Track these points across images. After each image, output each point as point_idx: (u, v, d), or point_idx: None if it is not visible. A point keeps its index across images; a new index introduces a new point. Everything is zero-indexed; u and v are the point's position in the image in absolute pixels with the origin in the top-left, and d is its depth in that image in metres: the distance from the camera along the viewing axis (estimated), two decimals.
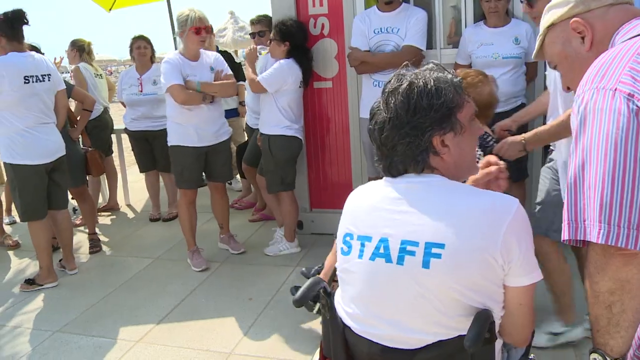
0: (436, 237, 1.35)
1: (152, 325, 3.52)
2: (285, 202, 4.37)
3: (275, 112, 4.18)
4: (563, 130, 2.47)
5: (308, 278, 3.38)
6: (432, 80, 1.43)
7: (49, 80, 4.05)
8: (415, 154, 1.44)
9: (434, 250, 1.35)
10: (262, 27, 4.78)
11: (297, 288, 3.28)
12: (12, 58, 3.88)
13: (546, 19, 1.48)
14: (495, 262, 1.33)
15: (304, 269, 3.61)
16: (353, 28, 4.06)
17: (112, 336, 3.44)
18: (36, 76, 3.95)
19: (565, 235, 1.21)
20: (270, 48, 4.22)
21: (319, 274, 3.29)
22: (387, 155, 1.50)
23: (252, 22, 4.86)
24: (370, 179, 4.29)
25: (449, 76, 1.47)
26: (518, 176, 3.79)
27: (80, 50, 5.69)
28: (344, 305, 1.55)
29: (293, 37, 4.17)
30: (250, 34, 4.94)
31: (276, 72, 4.11)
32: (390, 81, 1.50)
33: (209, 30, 4.08)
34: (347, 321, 1.53)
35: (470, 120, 1.48)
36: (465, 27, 4.08)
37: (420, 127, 1.42)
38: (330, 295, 1.61)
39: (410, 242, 1.38)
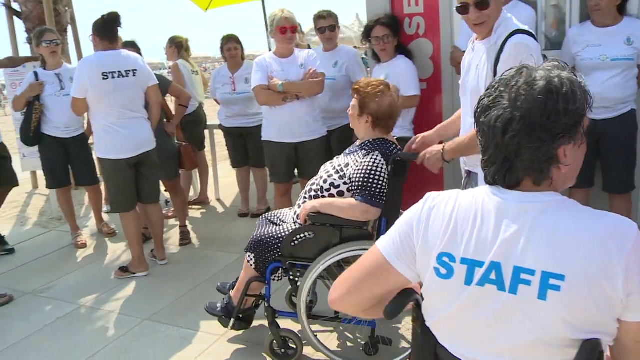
0: (554, 266, 1.21)
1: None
2: None
3: None
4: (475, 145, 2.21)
5: (223, 293, 3.36)
6: (567, 82, 1.26)
7: (133, 75, 4.16)
8: (541, 162, 1.27)
9: (552, 281, 1.20)
10: (332, 21, 4.66)
11: (212, 306, 3.30)
12: (92, 57, 4.08)
13: None
14: (614, 294, 1.19)
15: (219, 284, 3.57)
16: (461, 26, 3.92)
17: (197, 328, 3.52)
18: (118, 72, 4.08)
19: None
20: (381, 46, 4.07)
21: (233, 288, 3.26)
22: (506, 158, 1.30)
23: (322, 17, 4.65)
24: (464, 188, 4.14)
25: (578, 79, 1.30)
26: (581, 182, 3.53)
27: (178, 47, 5.87)
28: (440, 330, 1.43)
29: (399, 32, 4.12)
30: (318, 29, 4.73)
31: (413, 73, 4.02)
32: (512, 74, 1.32)
33: (294, 30, 4.15)
34: (442, 341, 1.42)
35: (585, 131, 1.31)
36: (570, 27, 3.85)
37: (553, 132, 1.25)
38: (420, 308, 1.51)
39: (525, 270, 1.24)
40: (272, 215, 3.31)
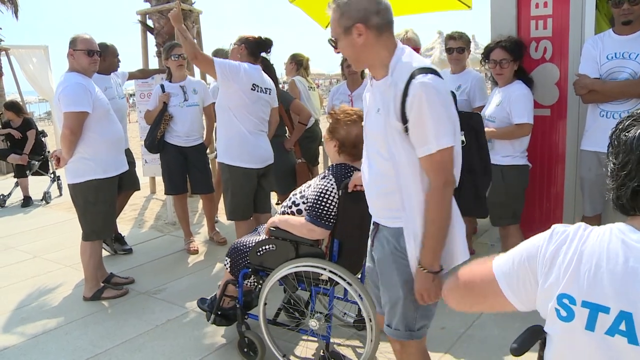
0: None
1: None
2: (514, 235, 3.99)
3: (506, 141, 3.88)
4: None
5: (202, 309, 3.65)
6: None
7: (269, 94, 4.34)
8: None
9: None
10: (462, 43, 4.60)
11: (203, 300, 3.68)
12: (248, 65, 4.19)
13: None
14: None
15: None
16: (583, 53, 3.71)
17: (300, 343, 3.53)
18: (261, 87, 4.24)
19: None
20: (497, 70, 3.87)
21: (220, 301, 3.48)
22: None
23: (453, 37, 4.62)
24: (584, 219, 3.89)
25: None
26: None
27: (298, 64, 6.00)
28: None
29: (522, 57, 3.95)
30: (447, 49, 4.72)
31: (527, 100, 3.79)
32: None
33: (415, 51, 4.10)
34: None
35: None
36: None
37: None
38: (545, 346, 1.39)
39: None
40: (262, 226, 3.59)
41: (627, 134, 1.25)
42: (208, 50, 9.04)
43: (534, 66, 4.17)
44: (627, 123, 1.28)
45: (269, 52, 4.35)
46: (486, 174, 2.24)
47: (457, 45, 4.58)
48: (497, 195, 3.96)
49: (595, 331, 1.18)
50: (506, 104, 3.81)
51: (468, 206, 2.23)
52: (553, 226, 1.33)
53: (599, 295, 1.18)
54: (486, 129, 3.89)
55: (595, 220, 3.83)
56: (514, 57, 3.84)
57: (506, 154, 3.87)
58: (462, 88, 4.58)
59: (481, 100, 4.51)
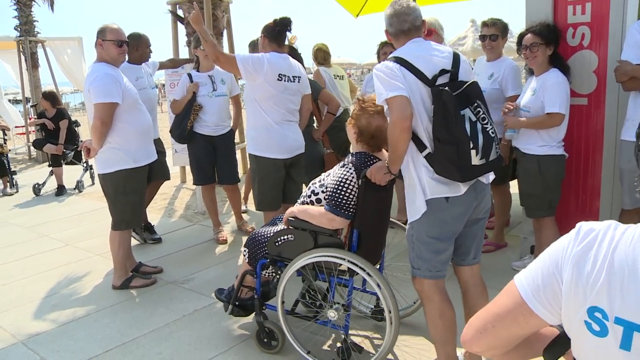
0: None
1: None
2: (549, 227, 3.89)
3: (543, 130, 3.76)
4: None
5: (220, 300, 3.64)
6: None
7: (298, 82, 4.27)
8: None
9: None
10: (495, 30, 4.46)
11: (220, 291, 3.64)
12: (272, 56, 4.13)
13: None
14: None
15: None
16: (626, 38, 3.55)
17: (323, 335, 3.48)
18: (288, 76, 4.17)
19: None
20: (527, 54, 3.77)
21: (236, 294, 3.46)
22: None
23: (486, 24, 4.51)
24: (623, 212, 3.75)
25: None
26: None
27: (315, 57, 6.03)
28: None
29: (557, 42, 3.81)
30: (480, 36, 4.62)
31: (562, 89, 3.66)
32: None
33: (437, 41, 4.06)
34: None
35: None
36: None
37: None
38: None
39: None
40: (280, 217, 3.55)
41: None
42: (240, 41, 9.09)
43: (570, 53, 4.02)
44: None
45: (290, 30, 4.24)
46: (450, 144, 2.50)
47: (489, 32, 4.45)
48: (533, 186, 3.85)
49: (632, 351, 1.04)
50: (541, 93, 3.68)
51: (439, 168, 2.57)
52: (579, 224, 1.17)
53: (633, 311, 1.03)
54: (514, 121, 3.81)
55: (635, 213, 3.68)
56: (545, 40, 3.71)
57: (542, 143, 3.75)
58: (495, 76, 4.45)
59: (513, 90, 4.38)
